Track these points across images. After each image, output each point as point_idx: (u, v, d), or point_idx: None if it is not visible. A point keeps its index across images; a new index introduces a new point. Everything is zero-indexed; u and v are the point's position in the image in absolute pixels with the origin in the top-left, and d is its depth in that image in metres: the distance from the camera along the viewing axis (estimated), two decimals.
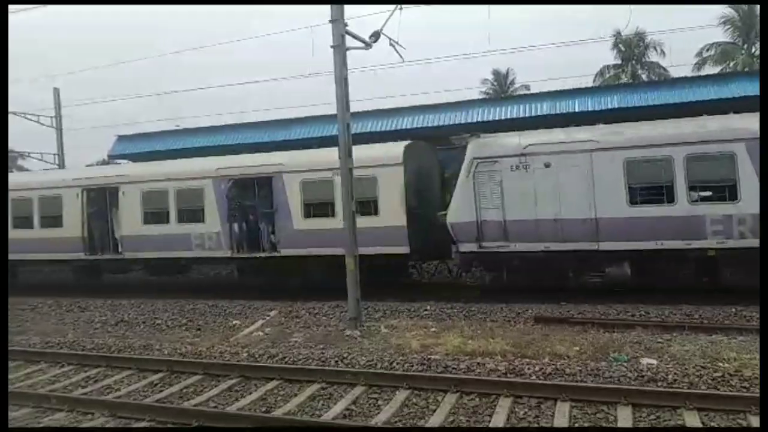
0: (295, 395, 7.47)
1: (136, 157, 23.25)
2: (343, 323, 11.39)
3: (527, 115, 19.16)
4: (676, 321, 10.21)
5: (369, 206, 14.21)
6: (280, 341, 10.33)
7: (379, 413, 6.74)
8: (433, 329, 10.49)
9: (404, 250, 14.16)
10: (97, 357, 9.67)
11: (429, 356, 8.67)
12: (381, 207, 14.32)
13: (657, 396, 6.48)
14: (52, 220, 18.00)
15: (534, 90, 29.31)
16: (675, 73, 30.03)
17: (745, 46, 31.00)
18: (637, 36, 32.67)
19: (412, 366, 8.20)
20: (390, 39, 12.20)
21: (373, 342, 9.94)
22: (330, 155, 13.12)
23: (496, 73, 38.19)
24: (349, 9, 11.25)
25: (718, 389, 6.71)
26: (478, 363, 8.12)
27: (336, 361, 8.62)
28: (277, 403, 7.30)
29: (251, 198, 16.23)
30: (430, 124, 19.75)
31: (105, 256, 17.91)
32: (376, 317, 11.97)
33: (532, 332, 10.07)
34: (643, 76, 32.61)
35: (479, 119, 19.38)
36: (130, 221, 17.12)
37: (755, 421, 5.83)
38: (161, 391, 7.99)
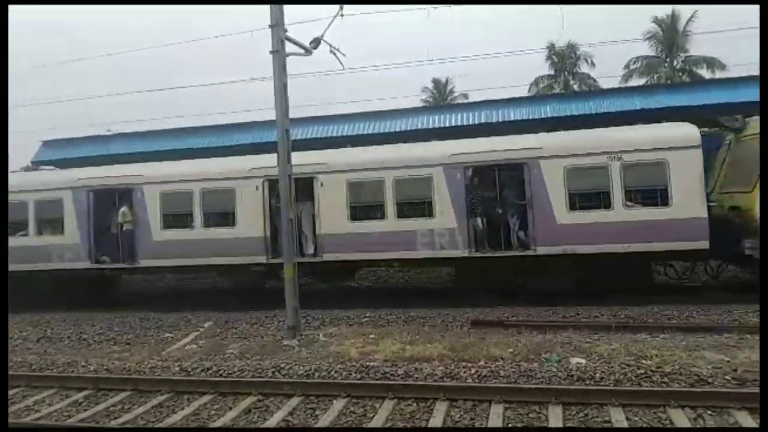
0: (230, 409, 7.29)
1: (62, 164, 22.12)
2: (281, 333, 11.21)
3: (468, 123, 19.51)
4: (603, 321, 10.63)
5: (655, 195, 12.32)
6: (215, 353, 10.04)
7: (316, 423, 6.68)
8: (372, 336, 10.48)
9: (703, 245, 12.03)
10: (14, 377, 9.09)
11: (367, 363, 8.64)
12: (674, 196, 12.17)
13: (585, 394, 6.71)
14: (221, 217, 15.10)
15: (472, 99, 30.06)
16: (604, 84, 31.54)
17: (668, 59, 32.85)
18: (569, 48, 34.04)
19: (351, 374, 8.16)
20: (330, 46, 12.20)
21: (312, 351, 9.83)
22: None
23: (436, 82, 38.86)
24: (294, 14, 11.18)
25: (641, 385, 7.03)
26: (416, 368, 8.18)
27: (273, 372, 8.46)
28: (211, 417, 7.10)
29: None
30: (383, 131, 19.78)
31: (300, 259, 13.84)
32: (315, 325, 11.85)
33: (469, 336, 10.23)
34: (575, 87, 33.95)
35: (422, 126, 19.60)
36: (330, 218, 14.32)
37: (674, 414, 6.14)
38: (86, 410, 7.60)
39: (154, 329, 12.69)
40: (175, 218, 15.13)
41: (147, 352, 10.57)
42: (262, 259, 14.34)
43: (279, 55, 10.70)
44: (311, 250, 14.40)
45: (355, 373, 8.18)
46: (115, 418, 7.25)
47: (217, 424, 6.84)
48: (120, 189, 15.70)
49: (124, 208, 15.56)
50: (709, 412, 6.14)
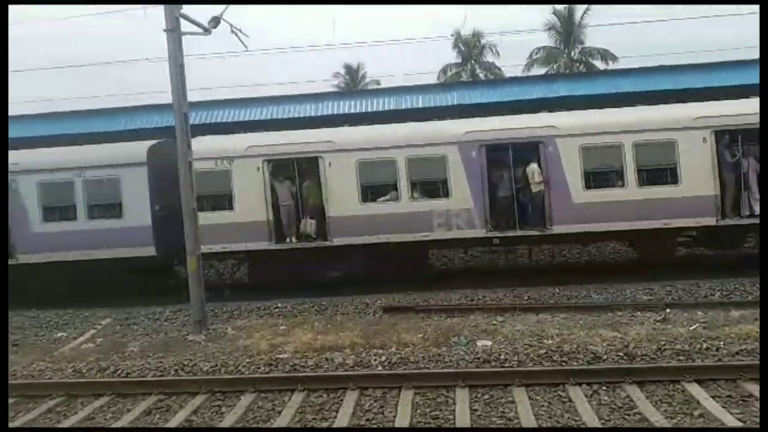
0: (128, 411, 6.87)
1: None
2: (187, 328, 10.73)
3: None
4: (508, 303, 11.03)
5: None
6: (113, 352, 9.44)
7: (222, 421, 6.43)
8: (283, 327, 10.28)
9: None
10: None
11: (277, 356, 8.46)
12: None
13: (490, 376, 6.93)
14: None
15: (384, 85, 30.08)
16: (508, 72, 32.62)
17: (566, 50, 34.46)
18: (474, 37, 34.85)
19: (259, 368, 7.94)
20: (231, 26, 11.65)
21: (219, 346, 9.47)
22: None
23: (348, 67, 38.57)
24: None
25: (543, 364, 7.35)
26: (327, 358, 8.11)
27: (176, 370, 8.07)
28: (107, 421, 6.67)
29: None
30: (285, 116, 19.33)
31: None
32: (224, 318, 11.45)
33: (381, 322, 10.29)
34: (481, 75, 34.87)
35: (329, 112, 19.36)
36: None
37: (572, 392, 6.45)
38: None
39: (45, 328, 11.78)
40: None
41: (37, 353, 9.77)
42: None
43: (174, 34, 10.10)
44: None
45: (264, 366, 7.96)
46: None
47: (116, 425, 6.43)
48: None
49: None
50: (604, 387, 6.51)
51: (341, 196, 13.25)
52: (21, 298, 12.54)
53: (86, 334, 10.94)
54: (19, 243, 13.85)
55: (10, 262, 13.31)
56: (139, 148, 14.04)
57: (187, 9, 10.53)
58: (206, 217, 12.50)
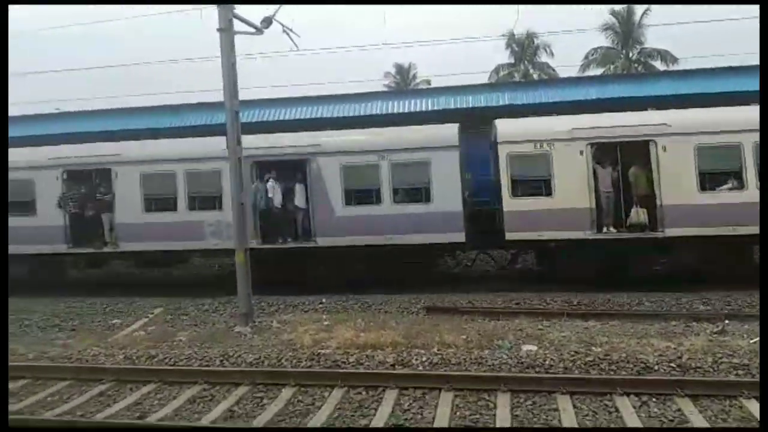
0: (174, 398, 7.05)
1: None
2: (234, 320, 10.95)
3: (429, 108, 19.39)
4: (556, 308, 10.76)
5: None
6: (163, 341, 9.72)
7: (262, 413, 6.51)
8: (327, 322, 10.34)
9: None
10: None
11: (319, 351, 8.51)
12: None
13: (534, 382, 6.74)
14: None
15: (435, 84, 29.93)
16: (562, 73, 31.87)
17: (624, 50, 33.42)
18: (528, 37, 34.23)
19: (301, 362, 8.01)
20: (283, 26, 11.82)
21: (264, 338, 9.62)
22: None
23: (399, 67, 38.63)
24: None
25: (590, 373, 7.10)
26: (368, 355, 8.09)
27: (221, 360, 8.24)
28: (153, 407, 6.85)
29: None
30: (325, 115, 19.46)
31: None
32: (270, 312, 11.65)
33: (423, 322, 10.21)
34: (534, 75, 34.22)
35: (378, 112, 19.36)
36: None
37: (619, 402, 6.21)
38: (21, 400, 7.23)
39: (101, 315, 12.28)
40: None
41: (93, 339, 10.17)
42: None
43: (227, 33, 10.31)
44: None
45: (306, 360, 8.03)
46: (51, 409, 6.92)
47: (160, 414, 6.61)
48: None
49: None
50: (654, 399, 6.23)
51: (679, 183, 12.38)
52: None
53: (139, 322, 11.35)
54: (319, 227, 13.74)
55: (309, 245, 13.62)
56: (450, 131, 13.63)
57: (241, 9, 10.78)
58: (521, 204, 12.54)
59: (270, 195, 13.91)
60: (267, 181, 13.97)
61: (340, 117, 18.89)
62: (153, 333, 10.48)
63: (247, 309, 10.67)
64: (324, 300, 12.37)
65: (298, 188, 14.02)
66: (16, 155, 13.91)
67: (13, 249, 11.56)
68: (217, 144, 13.33)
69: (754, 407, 5.91)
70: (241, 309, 10.73)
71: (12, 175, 13.23)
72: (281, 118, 19.42)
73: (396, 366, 7.65)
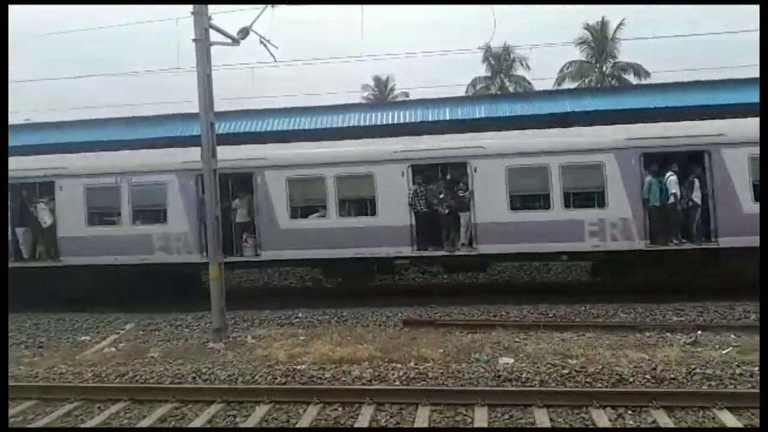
0: (144, 417, 6.84)
1: None
2: (208, 335, 10.74)
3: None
4: (532, 320, 10.77)
5: None
6: (134, 358, 9.48)
7: None
8: (302, 337, 10.20)
9: None
10: None
11: (295, 366, 8.37)
12: None
13: (511, 395, 6.70)
14: None
15: (413, 97, 30.09)
16: (538, 86, 32.33)
17: (597, 64, 34.04)
18: (504, 50, 34.66)
19: (276, 378, 7.86)
20: (261, 37, 11.75)
21: (238, 354, 9.44)
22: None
23: (377, 79, 38.74)
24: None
25: (566, 385, 7.10)
26: (344, 371, 7.99)
27: (193, 377, 8.05)
28: (122, 427, 6.63)
29: None
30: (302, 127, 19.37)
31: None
32: (244, 327, 11.45)
33: (401, 336, 10.12)
34: (511, 89, 34.62)
35: (356, 123, 19.35)
36: None
37: (595, 414, 6.20)
38: None
39: (70, 332, 11.95)
40: None
41: (60, 356, 9.88)
42: None
43: (202, 44, 10.21)
44: None
45: (281, 377, 7.88)
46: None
47: None
48: None
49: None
50: (630, 411, 6.24)
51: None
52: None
53: (109, 338, 11.04)
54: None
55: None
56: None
57: (218, 19, 10.69)
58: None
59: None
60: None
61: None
62: (124, 349, 10.22)
63: (220, 324, 10.48)
64: (300, 314, 12.22)
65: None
66: None
67: None
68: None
69: (726, 417, 5.96)
70: (214, 324, 10.54)
71: None
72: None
73: (373, 381, 7.56)
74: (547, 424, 6.05)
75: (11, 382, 8.19)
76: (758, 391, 6.54)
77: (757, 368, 7.33)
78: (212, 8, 10.58)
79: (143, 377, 8.19)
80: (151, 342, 10.70)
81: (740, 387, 6.81)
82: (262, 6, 11.33)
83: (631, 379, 7.15)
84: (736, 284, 11.58)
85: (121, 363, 9.14)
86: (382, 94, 38.33)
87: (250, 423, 6.49)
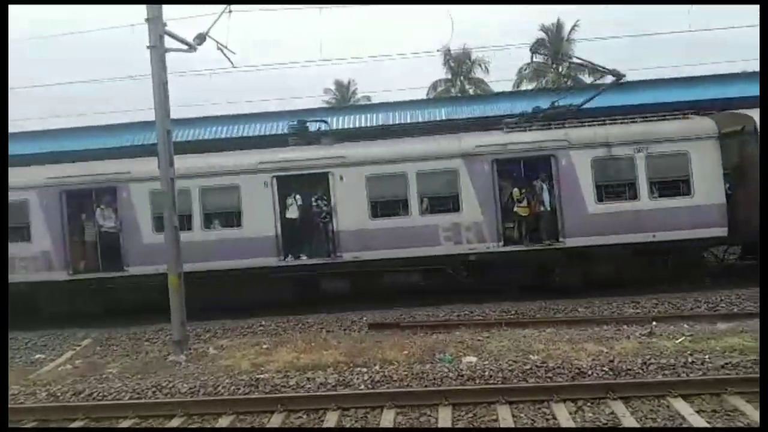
0: None
1: None
2: (168, 348, 10.51)
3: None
4: (494, 318, 10.91)
5: None
6: (91, 374, 9.21)
7: None
8: (266, 346, 10.09)
9: None
10: None
11: (258, 376, 8.28)
12: None
13: (474, 394, 6.78)
14: None
15: (375, 101, 30.08)
16: (497, 88, 32.77)
17: (554, 65, 34.74)
18: (464, 53, 35.07)
19: (239, 389, 7.76)
20: (218, 43, 11.56)
21: (200, 366, 9.27)
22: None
23: (338, 84, 38.65)
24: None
25: (527, 381, 7.22)
26: (308, 378, 7.95)
27: (153, 392, 7.87)
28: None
29: None
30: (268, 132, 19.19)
31: None
32: (206, 338, 11.24)
33: (366, 339, 10.13)
34: (470, 91, 35.03)
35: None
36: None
37: (556, 408, 6.31)
38: None
39: (23, 350, 11.52)
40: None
41: (12, 376, 9.50)
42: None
43: (157, 50, 10.01)
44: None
45: (244, 387, 7.78)
46: None
47: None
48: None
49: None
50: (588, 404, 6.37)
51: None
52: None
53: (65, 356, 10.71)
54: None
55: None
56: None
57: (173, 26, 10.48)
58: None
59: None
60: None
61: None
62: (80, 366, 9.92)
63: (180, 336, 10.25)
64: (264, 322, 12.08)
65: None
66: None
67: None
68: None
69: (680, 406, 6.15)
70: (174, 336, 10.30)
71: None
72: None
73: (337, 387, 7.54)
74: (510, 421, 6.14)
75: None
76: (709, 377, 6.81)
77: (708, 356, 7.63)
78: (168, 14, 10.37)
79: (101, 394, 7.96)
80: (109, 357, 10.43)
81: (692, 375, 7.04)
82: (219, 9, 11.22)
83: (589, 372, 7.32)
84: None
85: (78, 381, 8.88)
86: (344, 98, 38.27)
87: None
